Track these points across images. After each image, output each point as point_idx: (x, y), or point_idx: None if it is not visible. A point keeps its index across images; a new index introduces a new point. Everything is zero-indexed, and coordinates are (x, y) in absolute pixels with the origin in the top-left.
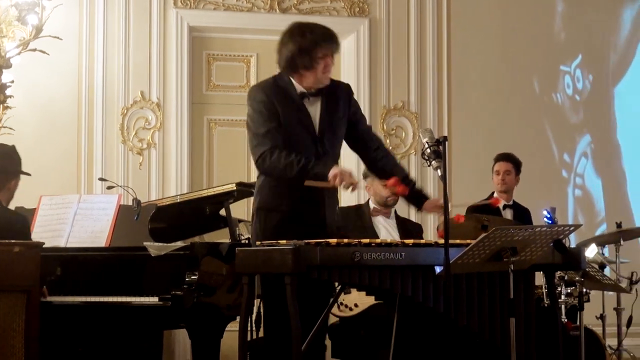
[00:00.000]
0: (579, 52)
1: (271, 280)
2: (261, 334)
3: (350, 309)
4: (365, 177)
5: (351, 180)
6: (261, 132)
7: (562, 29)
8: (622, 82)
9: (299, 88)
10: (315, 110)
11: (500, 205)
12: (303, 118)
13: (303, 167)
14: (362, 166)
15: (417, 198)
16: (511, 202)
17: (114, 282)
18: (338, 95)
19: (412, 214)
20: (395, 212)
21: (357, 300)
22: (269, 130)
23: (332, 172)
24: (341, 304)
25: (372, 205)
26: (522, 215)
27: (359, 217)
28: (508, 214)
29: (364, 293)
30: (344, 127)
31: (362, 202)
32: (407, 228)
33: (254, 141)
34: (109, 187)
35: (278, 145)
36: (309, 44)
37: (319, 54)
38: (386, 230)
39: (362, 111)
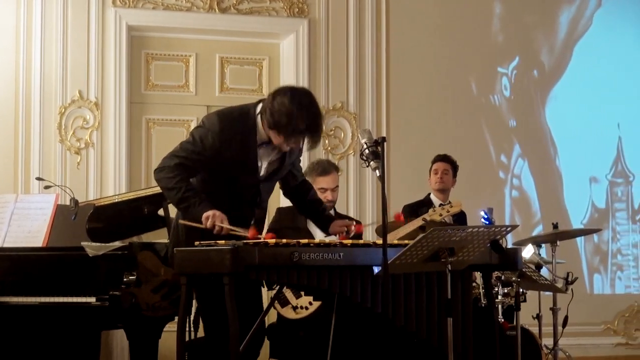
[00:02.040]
0: (516, 54)
1: (209, 280)
2: (199, 334)
3: (306, 308)
4: (304, 176)
5: (222, 225)
6: (182, 155)
7: (499, 30)
8: (558, 83)
9: (261, 137)
10: (267, 156)
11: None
12: (249, 163)
13: (183, 199)
14: None
15: (324, 222)
16: (447, 203)
17: (51, 282)
18: (294, 150)
19: (352, 212)
20: (335, 210)
21: (311, 299)
22: (188, 159)
23: (206, 214)
24: (296, 307)
25: None
26: (458, 216)
27: (295, 217)
28: None
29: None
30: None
31: None
32: None
33: (171, 153)
34: (47, 187)
35: (182, 173)
36: (293, 128)
37: (296, 137)
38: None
39: None
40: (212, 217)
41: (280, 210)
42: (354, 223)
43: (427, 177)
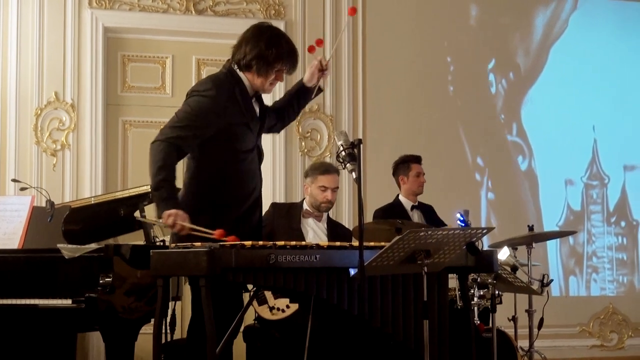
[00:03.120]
0: (492, 56)
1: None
2: (176, 336)
3: (283, 311)
4: (305, 176)
5: (182, 225)
6: (179, 125)
7: (475, 33)
8: (534, 86)
9: (250, 88)
10: (255, 110)
11: (408, 208)
12: (252, 116)
13: (157, 188)
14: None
15: (297, 89)
16: (417, 203)
17: (26, 284)
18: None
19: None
20: (328, 215)
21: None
22: (187, 128)
23: (167, 212)
24: (273, 307)
25: (305, 206)
26: (428, 212)
27: (290, 216)
28: (416, 215)
29: None
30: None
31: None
32: (338, 233)
33: (168, 125)
34: (22, 189)
35: (171, 155)
36: (273, 56)
37: (276, 67)
38: (314, 233)
39: None
40: (174, 216)
41: (275, 205)
42: (324, 57)
43: (398, 177)
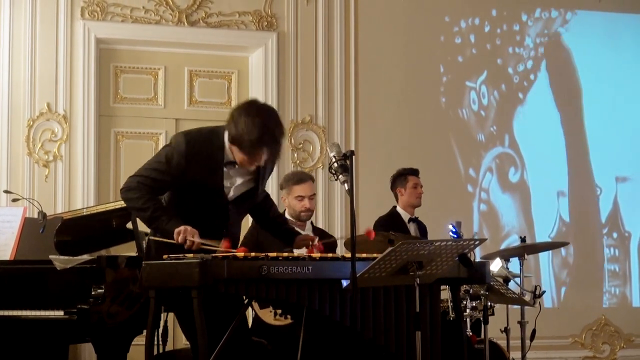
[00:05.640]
0: (484, 68)
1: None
2: (168, 347)
3: (286, 317)
4: (281, 188)
5: (193, 239)
6: (146, 175)
7: (467, 45)
8: (526, 98)
9: (228, 156)
10: (238, 177)
11: (406, 220)
12: (215, 182)
13: (153, 219)
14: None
15: (287, 236)
16: (414, 216)
17: (18, 295)
18: (266, 169)
19: (320, 225)
20: (312, 223)
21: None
22: (153, 179)
23: (177, 229)
24: (277, 312)
25: (287, 217)
26: (423, 230)
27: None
28: (412, 228)
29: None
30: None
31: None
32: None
33: (136, 172)
34: (14, 200)
35: (149, 192)
36: (254, 142)
37: (258, 151)
38: None
39: None
40: (184, 232)
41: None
42: (317, 238)
43: (396, 189)
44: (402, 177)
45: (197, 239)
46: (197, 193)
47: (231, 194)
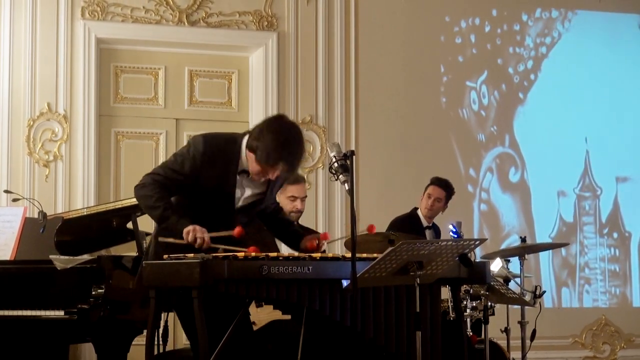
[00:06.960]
0: (484, 68)
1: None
2: (168, 347)
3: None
4: None
5: (203, 238)
6: (161, 173)
7: (468, 45)
8: (526, 98)
9: (243, 164)
10: (250, 187)
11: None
12: (226, 189)
13: (163, 218)
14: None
15: (294, 238)
16: (431, 224)
17: (19, 295)
18: (275, 183)
19: (320, 225)
20: (299, 223)
21: (257, 316)
22: (168, 178)
23: (186, 229)
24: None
25: None
26: (439, 235)
27: (261, 229)
28: (428, 234)
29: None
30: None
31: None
32: None
33: (152, 170)
34: (15, 200)
35: (161, 191)
36: (271, 156)
37: (273, 165)
38: None
39: None
40: (193, 231)
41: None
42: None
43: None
44: (428, 184)
45: (207, 237)
46: (206, 196)
47: (240, 204)
